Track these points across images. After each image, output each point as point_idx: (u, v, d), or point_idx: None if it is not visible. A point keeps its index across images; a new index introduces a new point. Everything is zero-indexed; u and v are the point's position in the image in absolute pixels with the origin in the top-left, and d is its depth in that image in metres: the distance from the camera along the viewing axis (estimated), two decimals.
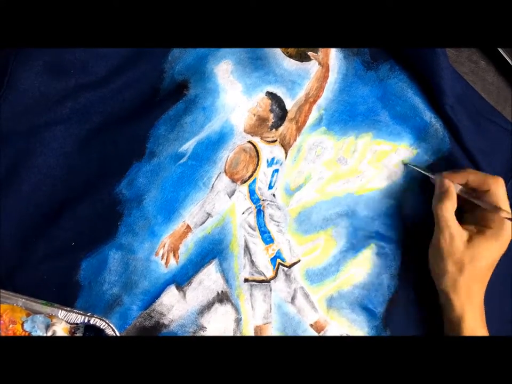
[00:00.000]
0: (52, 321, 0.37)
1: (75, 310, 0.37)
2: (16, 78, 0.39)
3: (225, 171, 0.42)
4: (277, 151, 0.43)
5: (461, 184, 0.42)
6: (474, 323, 0.40)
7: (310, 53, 0.44)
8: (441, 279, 0.41)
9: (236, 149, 0.42)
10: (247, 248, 0.42)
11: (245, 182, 0.42)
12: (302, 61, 0.44)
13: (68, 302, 0.38)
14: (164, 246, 0.40)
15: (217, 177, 0.41)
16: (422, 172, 0.44)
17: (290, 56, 0.44)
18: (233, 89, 0.42)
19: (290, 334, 0.42)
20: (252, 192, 0.42)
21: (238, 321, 0.41)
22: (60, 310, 0.37)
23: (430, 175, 0.44)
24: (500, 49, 0.49)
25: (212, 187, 0.41)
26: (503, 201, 0.40)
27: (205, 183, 0.41)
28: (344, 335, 0.43)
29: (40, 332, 0.36)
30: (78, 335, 0.38)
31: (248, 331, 0.41)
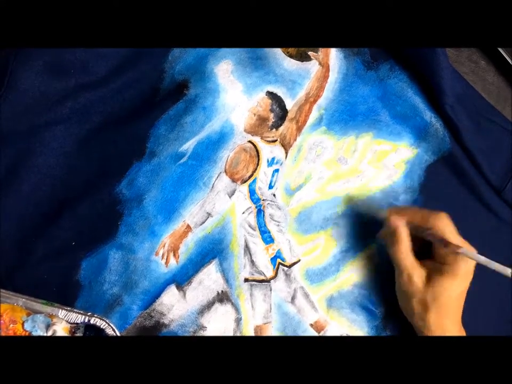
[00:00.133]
0: (52, 320, 0.37)
1: (75, 310, 0.37)
2: (16, 78, 0.39)
3: (225, 171, 0.42)
4: (277, 150, 0.43)
5: (410, 224, 0.40)
6: None
7: (310, 53, 0.44)
8: (411, 318, 0.40)
9: (236, 148, 0.42)
10: (247, 248, 0.42)
11: (245, 181, 0.42)
12: (302, 61, 0.44)
13: (68, 301, 0.38)
14: (164, 246, 0.40)
15: (217, 177, 0.41)
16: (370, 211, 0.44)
17: (290, 56, 0.44)
18: (233, 89, 0.42)
19: (290, 333, 0.42)
20: (252, 192, 0.42)
21: (238, 321, 0.41)
22: (60, 310, 0.37)
23: (376, 213, 0.43)
24: (500, 49, 0.49)
25: (212, 187, 0.41)
26: (451, 236, 0.38)
27: (205, 182, 0.41)
28: (344, 335, 0.43)
29: (40, 332, 0.36)
30: (78, 334, 0.38)
31: (248, 331, 0.41)
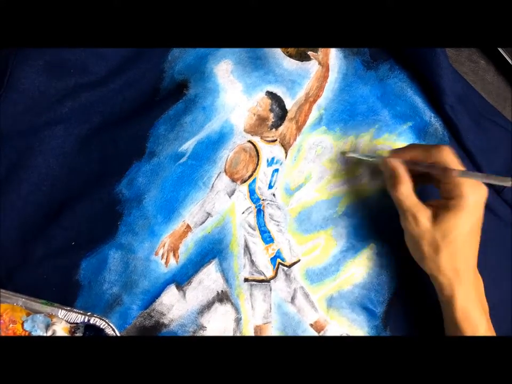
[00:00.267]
0: (52, 320, 0.37)
1: (75, 310, 0.37)
2: (16, 78, 0.39)
3: (225, 171, 0.42)
4: (277, 150, 0.43)
5: (407, 161, 0.39)
6: (465, 303, 0.38)
7: (310, 53, 0.44)
8: (422, 263, 0.39)
9: (236, 148, 0.42)
10: (247, 248, 0.42)
11: (245, 181, 0.42)
12: (302, 61, 0.44)
13: (67, 301, 0.38)
14: (163, 246, 0.40)
15: (217, 177, 0.41)
16: (364, 158, 0.43)
17: (290, 55, 0.44)
18: (233, 89, 0.42)
19: (290, 333, 0.42)
20: (251, 192, 0.42)
21: (238, 320, 0.41)
22: (60, 310, 0.37)
23: (373, 160, 0.42)
24: (500, 49, 0.49)
25: (212, 187, 0.41)
26: (452, 165, 0.37)
27: (205, 182, 0.41)
28: (344, 335, 0.43)
29: (40, 332, 0.36)
30: (78, 334, 0.38)
31: (248, 331, 0.41)
